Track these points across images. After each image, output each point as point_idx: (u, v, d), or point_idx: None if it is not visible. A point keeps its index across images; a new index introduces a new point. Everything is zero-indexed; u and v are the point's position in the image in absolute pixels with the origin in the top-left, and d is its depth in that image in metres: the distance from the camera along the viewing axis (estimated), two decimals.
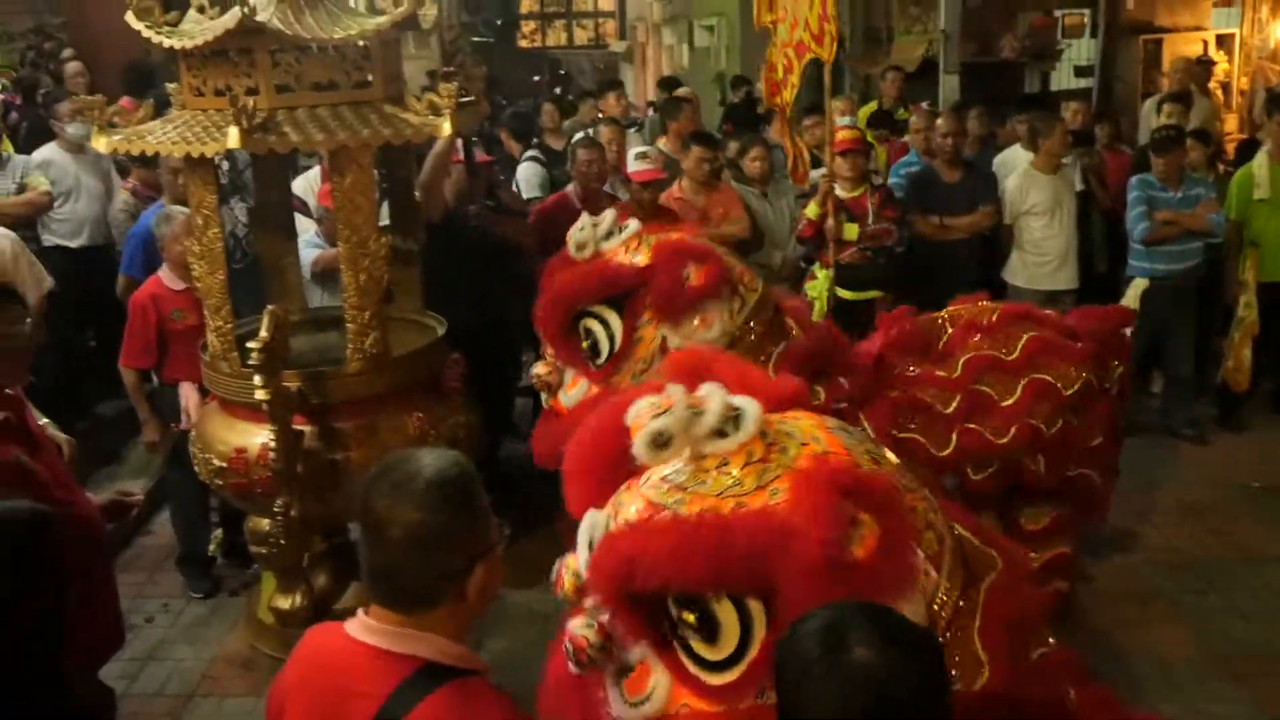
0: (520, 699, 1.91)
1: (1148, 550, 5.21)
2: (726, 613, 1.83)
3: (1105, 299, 6.56)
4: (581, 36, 25.37)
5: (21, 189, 6.15)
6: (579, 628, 1.93)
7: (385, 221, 4.50)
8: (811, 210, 5.85)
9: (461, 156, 5.65)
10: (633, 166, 5.74)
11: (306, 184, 5.88)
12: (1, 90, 8.02)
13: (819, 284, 5.88)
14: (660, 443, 2.00)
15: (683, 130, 7.09)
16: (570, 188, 6.08)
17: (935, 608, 2.01)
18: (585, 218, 3.63)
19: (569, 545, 2.09)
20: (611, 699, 1.97)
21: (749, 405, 2.03)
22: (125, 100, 5.25)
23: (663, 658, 1.91)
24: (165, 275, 4.82)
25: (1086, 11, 11.56)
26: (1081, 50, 11.78)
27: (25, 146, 6.95)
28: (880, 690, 1.46)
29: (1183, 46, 10.67)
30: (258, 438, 3.94)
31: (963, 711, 1.75)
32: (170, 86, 4.26)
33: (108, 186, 6.63)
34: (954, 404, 3.77)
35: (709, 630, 1.85)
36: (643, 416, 2.00)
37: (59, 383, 5.58)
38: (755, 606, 1.83)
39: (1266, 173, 6.28)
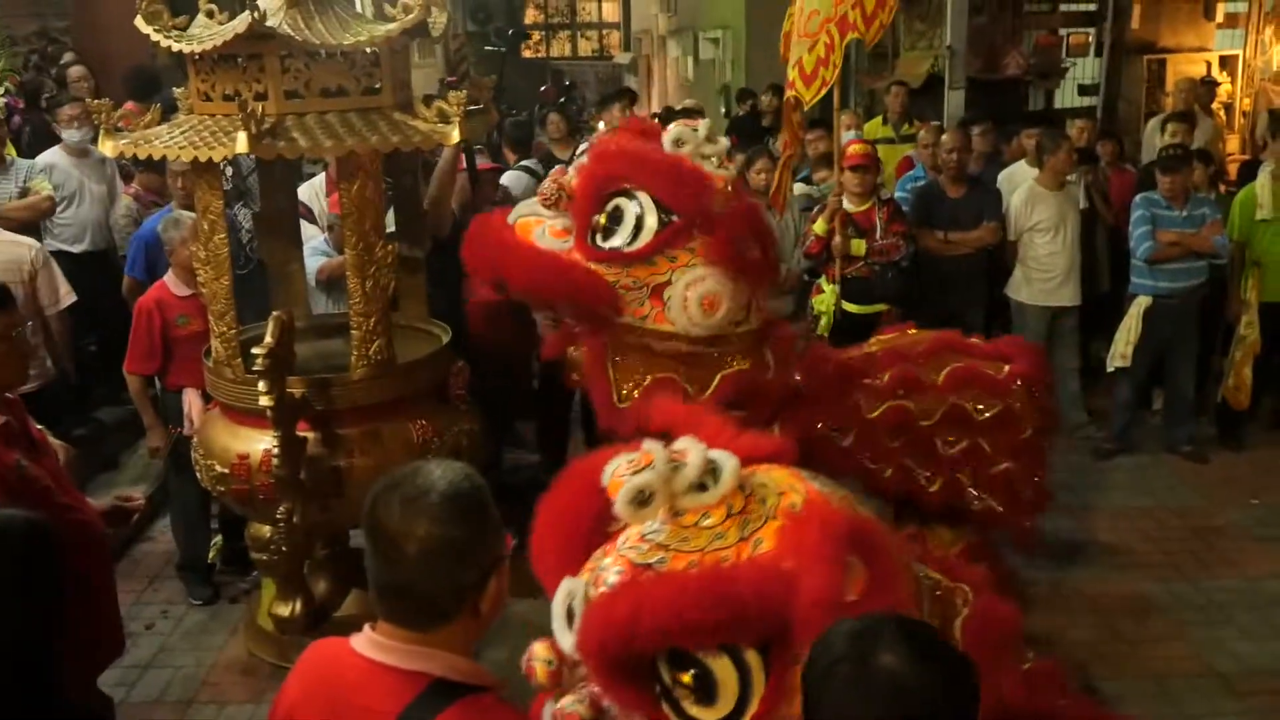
0: (520, 711, 1.90)
1: (1146, 567, 5.20)
2: (724, 669, 1.82)
3: (1108, 316, 6.60)
4: (586, 48, 25.44)
5: (24, 193, 6.14)
6: (570, 704, 1.90)
7: (392, 229, 4.50)
8: (819, 227, 5.85)
9: (464, 165, 5.67)
10: None
11: (311, 190, 5.88)
12: (5, 94, 8.02)
13: (825, 298, 5.88)
14: (642, 499, 1.99)
15: None
16: None
17: None
18: (703, 124, 3.44)
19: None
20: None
21: (726, 458, 2.05)
22: (130, 105, 5.26)
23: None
24: (171, 281, 4.82)
25: (1092, 31, 11.60)
26: (1086, 69, 11.81)
27: (29, 150, 6.95)
28: (900, 698, 1.46)
29: (1186, 67, 10.72)
30: (260, 444, 3.94)
31: None
32: (178, 91, 4.26)
33: (111, 191, 6.63)
34: (878, 411, 3.77)
35: (707, 690, 1.83)
36: (621, 474, 1.98)
37: (61, 388, 5.57)
38: (753, 658, 1.82)
39: (1269, 193, 6.29)
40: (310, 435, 3.94)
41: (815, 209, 6.29)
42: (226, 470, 4.06)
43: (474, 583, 1.76)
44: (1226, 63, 10.98)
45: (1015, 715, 2.12)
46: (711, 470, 2.02)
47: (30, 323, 4.78)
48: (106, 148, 4.00)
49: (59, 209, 6.32)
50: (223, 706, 4.28)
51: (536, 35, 24.88)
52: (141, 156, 3.91)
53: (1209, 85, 9.62)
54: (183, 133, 3.84)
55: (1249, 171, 7.07)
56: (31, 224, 6.04)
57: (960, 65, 9.14)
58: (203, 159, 3.69)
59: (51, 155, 6.50)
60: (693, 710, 1.84)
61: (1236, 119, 10.75)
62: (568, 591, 1.96)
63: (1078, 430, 6.67)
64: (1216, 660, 4.45)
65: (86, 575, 2.91)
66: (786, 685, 1.80)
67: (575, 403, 5.87)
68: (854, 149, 6.01)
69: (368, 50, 3.90)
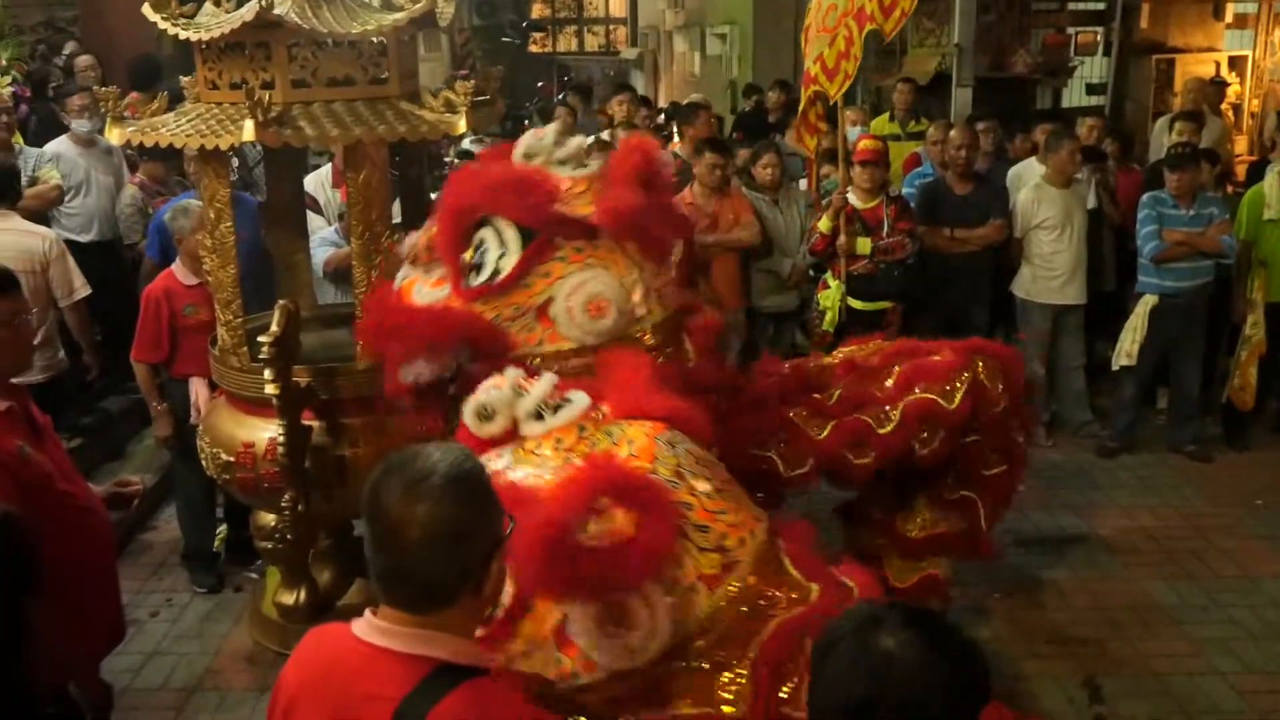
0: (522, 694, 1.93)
1: (1150, 565, 5.20)
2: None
3: (1114, 315, 6.59)
4: (592, 43, 25.40)
5: (33, 182, 6.14)
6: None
7: (398, 219, 4.50)
8: (824, 224, 5.85)
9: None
10: None
11: (317, 181, 5.89)
12: (12, 83, 8.02)
13: (831, 294, 5.88)
14: (485, 414, 2.43)
15: (698, 135, 7.09)
16: None
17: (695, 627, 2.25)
18: (550, 129, 3.30)
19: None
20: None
21: (578, 397, 2.40)
22: (134, 95, 5.25)
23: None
24: (178, 270, 4.83)
25: (1100, 30, 11.57)
26: (1094, 68, 11.78)
27: (36, 139, 6.95)
28: (894, 680, 1.48)
29: (1195, 67, 10.69)
30: (266, 433, 3.94)
31: None
32: (184, 79, 4.26)
33: (118, 181, 6.64)
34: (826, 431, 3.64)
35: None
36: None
37: (71, 379, 5.59)
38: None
39: (1277, 193, 6.27)
40: (315, 424, 3.94)
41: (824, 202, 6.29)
42: (232, 459, 4.06)
43: (477, 565, 1.76)
44: (1235, 63, 10.94)
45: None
46: (557, 405, 2.34)
47: (35, 311, 4.78)
48: (113, 136, 4.00)
49: (67, 198, 6.33)
50: (226, 694, 4.29)
51: (542, 30, 24.86)
52: (148, 144, 3.90)
53: (1218, 85, 9.60)
54: (189, 121, 3.84)
55: (1257, 172, 7.07)
56: (39, 213, 6.04)
57: (968, 63, 9.11)
58: (209, 147, 3.69)
59: (59, 144, 6.50)
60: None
61: (1245, 120, 10.73)
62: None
63: (1082, 429, 6.67)
64: (1218, 659, 4.45)
65: (88, 562, 2.91)
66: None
67: None
68: (864, 145, 6.00)
69: (375, 39, 3.89)
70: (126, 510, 3.37)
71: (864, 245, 5.83)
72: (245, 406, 4.11)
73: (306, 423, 3.88)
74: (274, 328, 3.69)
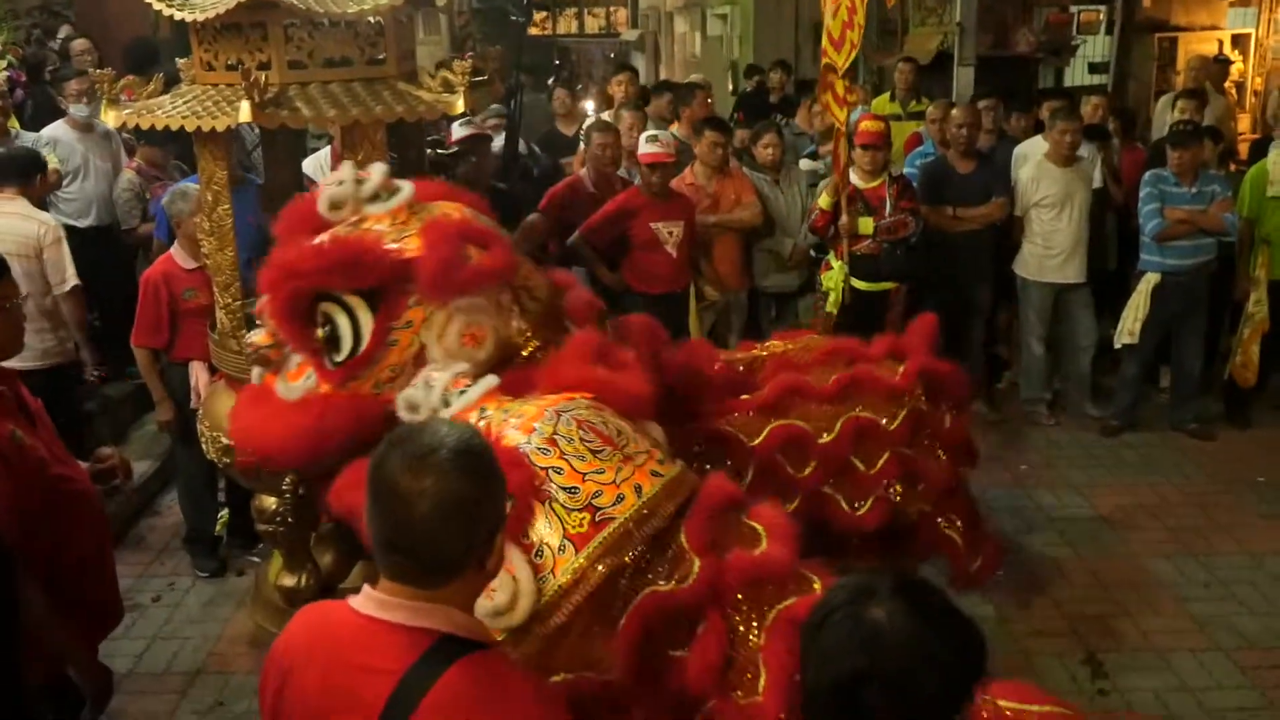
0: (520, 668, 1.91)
1: (1152, 543, 5.20)
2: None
3: (1116, 294, 6.57)
4: (593, 24, 25.32)
5: None
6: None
7: None
8: (824, 200, 5.82)
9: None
10: (642, 149, 5.72)
11: (316, 164, 5.86)
12: (7, 67, 7.99)
13: (834, 275, 5.86)
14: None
15: (695, 116, 7.06)
16: (583, 171, 6.06)
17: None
18: (347, 168, 3.07)
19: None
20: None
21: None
22: (129, 78, 5.22)
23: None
24: (177, 253, 4.81)
25: (1103, 8, 11.51)
26: (1096, 47, 11.72)
27: (32, 124, 6.92)
28: (884, 651, 1.47)
29: (1198, 45, 10.62)
30: None
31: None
32: (180, 61, 4.23)
33: (116, 165, 6.61)
34: (760, 438, 3.40)
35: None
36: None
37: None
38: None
39: None
40: None
41: (821, 184, 6.26)
42: (231, 442, 4.04)
43: (482, 540, 1.76)
44: (1239, 41, 10.87)
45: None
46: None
47: (30, 295, 4.79)
48: (109, 118, 3.97)
49: (64, 183, 6.32)
50: (229, 678, 4.29)
51: (542, 13, 24.76)
52: (144, 127, 3.87)
53: (1221, 63, 9.53)
54: (185, 103, 3.81)
55: (1260, 150, 7.03)
56: (38, 199, 6.01)
57: (970, 42, 9.06)
58: (205, 128, 3.67)
59: (56, 129, 6.48)
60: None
61: (1248, 98, 10.66)
62: None
63: (1080, 409, 6.66)
64: (1220, 636, 4.45)
65: (83, 545, 2.90)
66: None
67: None
68: (865, 127, 5.97)
69: (372, 20, 3.86)
70: (118, 484, 3.32)
71: (866, 225, 5.80)
72: None
73: None
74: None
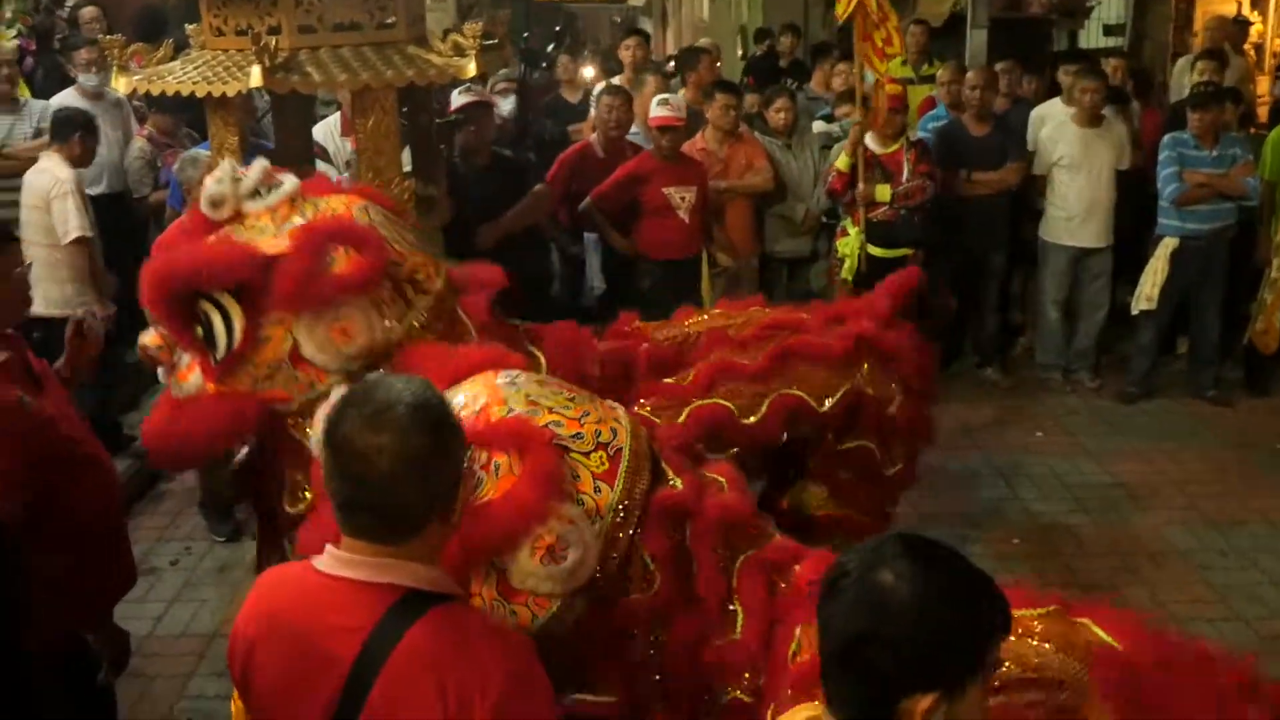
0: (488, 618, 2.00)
1: (1168, 510, 5.18)
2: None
3: (1132, 259, 6.51)
4: None
5: (39, 134, 6.11)
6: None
7: (407, 168, 4.45)
8: (841, 162, 5.77)
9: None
10: (653, 112, 5.68)
11: (326, 130, 5.84)
12: (17, 35, 7.95)
13: (850, 241, 5.81)
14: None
15: (702, 81, 6.97)
16: (593, 137, 6.01)
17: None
18: (226, 165, 3.02)
19: None
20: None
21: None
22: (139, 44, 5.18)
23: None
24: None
25: None
26: (1111, 8, 11.56)
27: (42, 92, 6.89)
28: (888, 615, 1.46)
29: (1216, 6, 10.46)
30: None
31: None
32: (190, 27, 4.20)
33: (127, 133, 6.60)
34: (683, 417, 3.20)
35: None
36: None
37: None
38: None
39: None
40: None
41: (836, 146, 6.20)
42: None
43: (443, 493, 1.76)
44: (1257, 2, 10.71)
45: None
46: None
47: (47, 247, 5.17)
48: (120, 85, 3.96)
49: None
50: None
51: None
52: (155, 93, 3.85)
53: (1240, 24, 9.39)
54: (196, 68, 3.78)
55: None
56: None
57: (983, 4, 8.94)
58: (216, 94, 3.64)
59: (66, 97, 6.45)
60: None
61: (1267, 60, 10.50)
62: None
63: (1069, 378, 6.61)
64: (1241, 605, 4.43)
65: (95, 508, 2.89)
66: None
67: None
68: (887, 89, 5.87)
69: None
70: (94, 340, 3.27)
71: (884, 192, 5.76)
72: None
73: None
74: None
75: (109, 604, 3.09)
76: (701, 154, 6.02)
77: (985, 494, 5.36)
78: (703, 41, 9.20)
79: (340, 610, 1.73)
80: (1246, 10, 10.45)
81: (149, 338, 2.94)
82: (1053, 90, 7.12)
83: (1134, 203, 6.72)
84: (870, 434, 3.45)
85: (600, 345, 3.43)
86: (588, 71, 8.12)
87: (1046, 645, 2.14)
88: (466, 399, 2.43)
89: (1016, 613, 1.92)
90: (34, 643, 2.46)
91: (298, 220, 2.87)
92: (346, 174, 5.39)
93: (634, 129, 6.19)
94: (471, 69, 3.76)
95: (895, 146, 5.87)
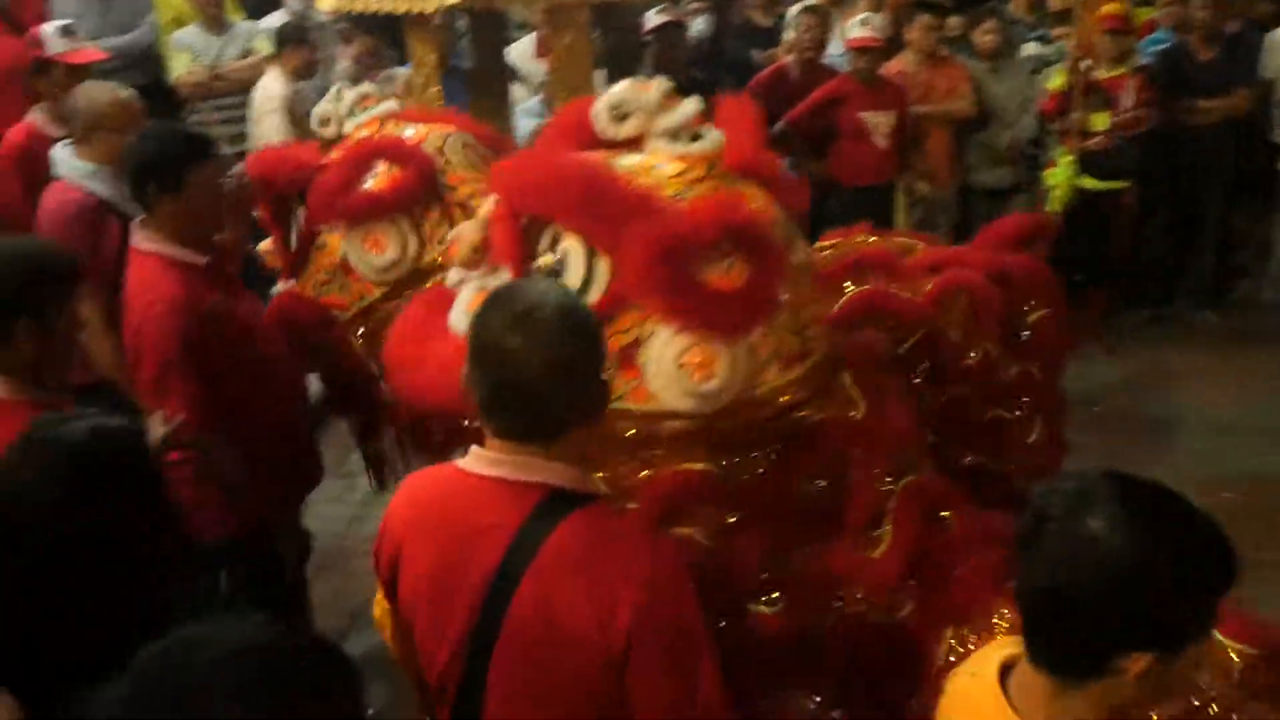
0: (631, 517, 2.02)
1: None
2: (576, 259, 2.17)
3: None
4: None
5: (246, 54, 6.29)
6: (463, 230, 2.38)
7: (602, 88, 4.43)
8: (1056, 81, 5.45)
9: None
10: (851, 33, 5.49)
11: (520, 52, 5.88)
12: None
13: (1059, 172, 5.51)
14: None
15: (899, 1, 6.66)
16: (789, 58, 5.86)
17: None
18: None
19: None
20: (456, 307, 2.26)
21: (714, 133, 2.30)
22: None
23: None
24: None
25: None
26: None
27: (254, 14, 7.10)
28: (1099, 565, 1.34)
29: None
30: None
31: None
32: None
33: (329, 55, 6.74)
34: None
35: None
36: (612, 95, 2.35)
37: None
38: (602, 261, 2.15)
39: None
40: None
41: (1047, 69, 5.87)
42: None
43: (586, 395, 1.75)
44: None
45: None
46: (695, 135, 2.28)
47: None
48: (325, 4, 4.05)
49: None
50: None
51: None
52: (355, 11, 3.93)
53: None
54: None
55: None
56: (252, 85, 6.20)
57: None
58: (414, 10, 3.70)
59: (275, 20, 6.63)
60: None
61: None
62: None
63: None
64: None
65: (281, 408, 3.03)
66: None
67: None
68: (1107, 9, 5.54)
69: None
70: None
71: (1101, 121, 5.43)
72: None
73: None
74: None
75: (295, 502, 3.24)
76: (900, 77, 5.80)
77: (1196, 445, 5.02)
78: None
79: (487, 509, 1.75)
80: None
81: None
82: None
83: None
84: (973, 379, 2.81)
85: None
86: None
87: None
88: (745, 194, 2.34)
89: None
90: (220, 533, 2.63)
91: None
92: (539, 96, 5.43)
93: (835, 52, 5.99)
94: None
95: (1119, 71, 5.51)
